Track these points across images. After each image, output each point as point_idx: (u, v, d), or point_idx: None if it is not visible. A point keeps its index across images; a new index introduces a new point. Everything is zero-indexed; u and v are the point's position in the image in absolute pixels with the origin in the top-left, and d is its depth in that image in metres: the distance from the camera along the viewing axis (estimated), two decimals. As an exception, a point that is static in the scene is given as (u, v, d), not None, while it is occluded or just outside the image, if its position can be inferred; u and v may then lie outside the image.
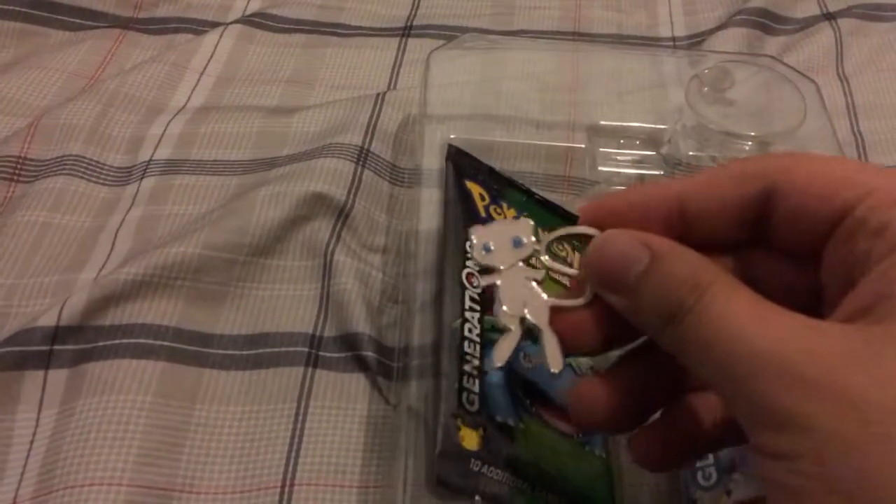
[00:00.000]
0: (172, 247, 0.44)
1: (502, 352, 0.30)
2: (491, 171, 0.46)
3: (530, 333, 0.40)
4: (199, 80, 0.58)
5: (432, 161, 0.49)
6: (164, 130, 0.54)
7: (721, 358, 0.23)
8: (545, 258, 0.31)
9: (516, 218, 0.44)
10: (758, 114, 0.51)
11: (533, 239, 0.32)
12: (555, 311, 0.30)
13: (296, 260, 0.46)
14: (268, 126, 0.54)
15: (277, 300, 0.45)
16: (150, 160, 0.51)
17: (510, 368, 0.38)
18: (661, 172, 0.50)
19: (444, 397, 0.35)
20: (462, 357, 0.37)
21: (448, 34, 0.64)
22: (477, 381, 0.36)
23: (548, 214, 0.46)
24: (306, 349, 0.43)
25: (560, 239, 0.45)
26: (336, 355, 0.43)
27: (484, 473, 0.34)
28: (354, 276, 0.45)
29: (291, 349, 0.43)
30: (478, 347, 0.37)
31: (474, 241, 0.31)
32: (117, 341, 0.41)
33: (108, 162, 0.51)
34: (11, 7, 0.61)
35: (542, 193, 0.48)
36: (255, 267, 0.46)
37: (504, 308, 0.30)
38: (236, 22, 0.63)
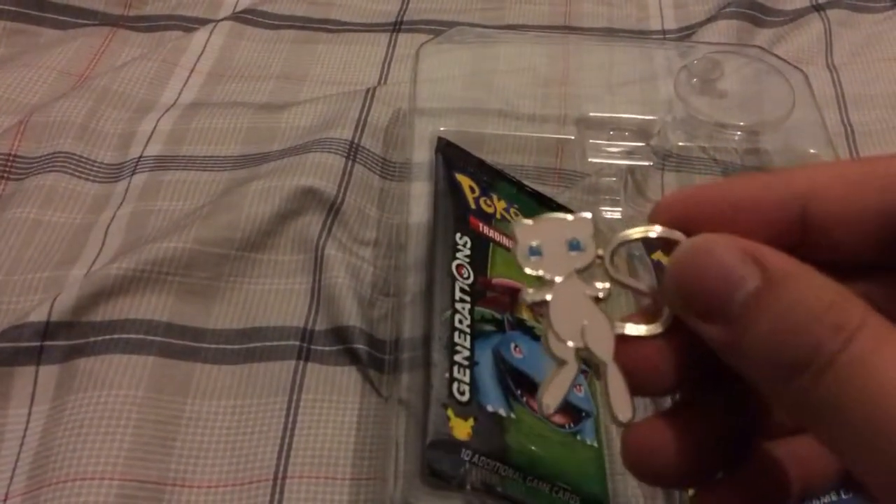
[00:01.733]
0: (163, 242, 0.44)
1: (556, 394, 0.22)
2: (481, 163, 0.46)
3: (521, 324, 0.40)
4: (189, 77, 0.58)
5: (423, 154, 0.49)
6: (155, 126, 0.54)
7: (869, 424, 0.18)
8: (610, 268, 0.23)
9: (506, 210, 0.45)
10: (747, 104, 0.51)
11: (593, 243, 0.24)
12: (620, 341, 0.22)
13: (287, 254, 0.46)
14: (258, 122, 0.54)
15: (269, 294, 0.45)
16: (141, 157, 0.51)
17: (500, 357, 0.38)
18: (651, 164, 0.50)
19: (434, 387, 0.35)
20: (452, 348, 0.37)
21: (439, 29, 0.64)
22: (467, 372, 0.36)
23: (539, 207, 0.46)
24: (298, 343, 0.43)
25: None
26: (327, 348, 0.43)
27: (475, 463, 0.34)
28: (345, 270, 0.45)
29: (283, 343, 0.43)
30: (468, 338, 0.37)
31: (519, 240, 0.23)
32: (108, 337, 0.41)
33: (99, 159, 0.51)
34: (1, 6, 0.61)
35: (533, 186, 0.48)
36: (246, 262, 0.46)
37: (556, 334, 0.23)
38: (226, 19, 0.63)
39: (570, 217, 0.24)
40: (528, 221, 0.24)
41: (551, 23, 0.66)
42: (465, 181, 0.44)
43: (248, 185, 0.48)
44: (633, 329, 0.22)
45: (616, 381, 0.22)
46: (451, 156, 0.44)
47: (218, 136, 0.53)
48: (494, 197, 0.44)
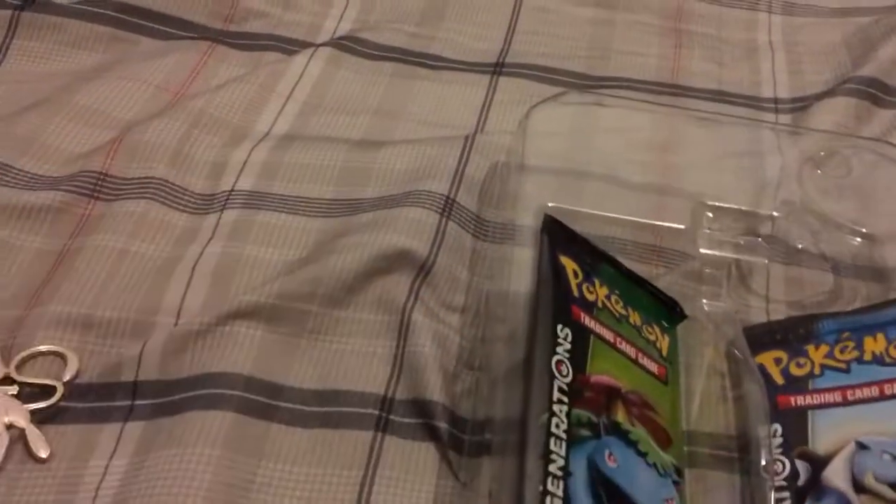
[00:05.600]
0: (248, 295, 0.43)
1: None
2: (586, 243, 0.43)
3: (617, 429, 0.38)
4: (284, 105, 0.57)
5: (523, 217, 0.47)
6: (248, 157, 0.52)
7: None
8: None
9: (608, 297, 0.42)
10: (869, 205, 0.48)
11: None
12: None
13: (371, 314, 0.45)
14: (352, 161, 0.53)
15: (350, 355, 0.43)
16: (233, 189, 0.50)
17: (595, 467, 0.36)
18: (766, 260, 0.47)
19: (526, 500, 0.33)
20: (547, 457, 0.35)
21: (541, 75, 0.62)
22: (561, 484, 0.34)
23: (640, 294, 0.44)
24: (376, 411, 0.42)
25: (648, 319, 0.44)
26: (407, 421, 0.42)
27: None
28: (431, 339, 0.43)
29: (361, 410, 0.42)
30: (564, 445, 0.35)
31: None
32: (191, 393, 0.40)
33: (190, 187, 0.50)
34: (102, 11, 0.60)
35: (630, 264, 0.46)
36: (329, 319, 0.44)
37: None
38: (326, 45, 0.61)
39: None
40: None
41: (658, 79, 0.63)
42: (569, 264, 0.41)
43: (337, 240, 0.46)
44: None
45: None
46: (556, 235, 0.42)
47: (311, 173, 0.52)
48: (597, 282, 0.42)
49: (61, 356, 0.42)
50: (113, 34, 0.60)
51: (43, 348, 0.42)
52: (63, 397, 0.41)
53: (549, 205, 0.46)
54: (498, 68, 0.62)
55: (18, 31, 0.59)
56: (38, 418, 0.40)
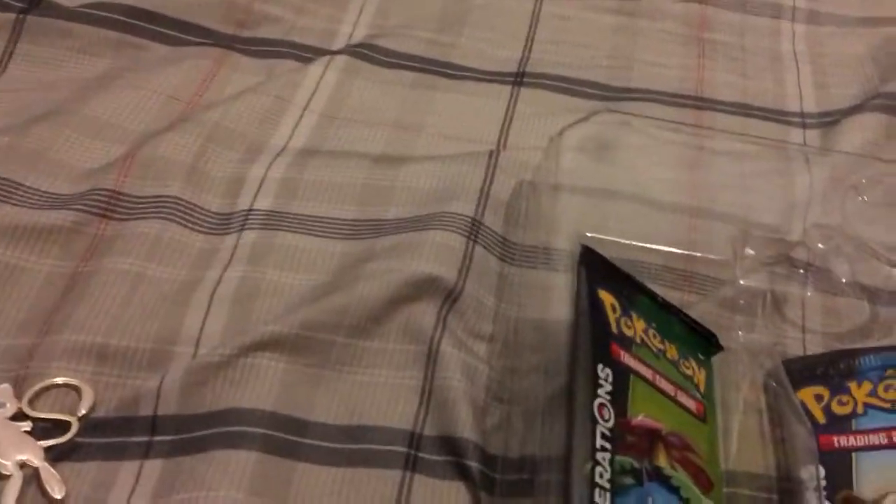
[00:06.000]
0: (269, 325, 0.41)
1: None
2: (622, 275, 0.42)
3: (659, 474, 0.37)
4: (301, 117, 0.54)
5: (555, 241, 0.45)
6: (266, 174, 0.50)
7: None
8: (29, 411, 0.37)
9: (645, 331, 0.41)
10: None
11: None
12: None
13: (398, 343, 0.43)
14: (373, 178, 0.51)
15: (376, 387, 0.42)
16: (251, 209, 0.48)
17: (638, 518, 0.34)
18: (803, 290, 0.46)
19: (573, 559, 0.31)
20: (592, 509, 0.33)
21: (562, 86, 0.60)
22: (607, 538, 0.33)
23: (677, 326, 0.43)
24: (405, 449, 0.40)
25: (684, 352, 0.42)
26: (436, 458, 0.40)
27: None
28: (460, 371, 0.42)
29: (389, 448, 0.40)
30: (608, 497, 0.34)
31: None
32: (212, 431, 0.39)
33: (206, 206, 0.48)
34: (110, 15, 0.58)
35: (659, 289, 0.44)
36: (355, 349, 0.42)
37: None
38: (342, 52, 0.59)
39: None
40: None
41: (682, 90, 0.61)
42: (607, 298, 0.40)
43: (361, 266, 0.44)
44: None
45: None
46: (594, 267, 0.40)
47: (331, 192, 0.50)
48: (634, 316, 0.41)
49: (76, 389, 0.40)
50: (122, 39, 0.57)
51: (57, 381, 0.40)
52: (78, 433, 0.39)
53: (588, 234, 0.44)
54: (518, 78, 0.60)
55: (23, 36, 0.56)
56: (53, 455, 0.38)
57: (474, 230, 0.47)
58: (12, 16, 0.56)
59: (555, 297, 0.45)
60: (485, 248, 0.47)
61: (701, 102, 0.60)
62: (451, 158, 0.52)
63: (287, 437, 0.39)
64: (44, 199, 0.46)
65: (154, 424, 0.39)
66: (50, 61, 0.56)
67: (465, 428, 0.40)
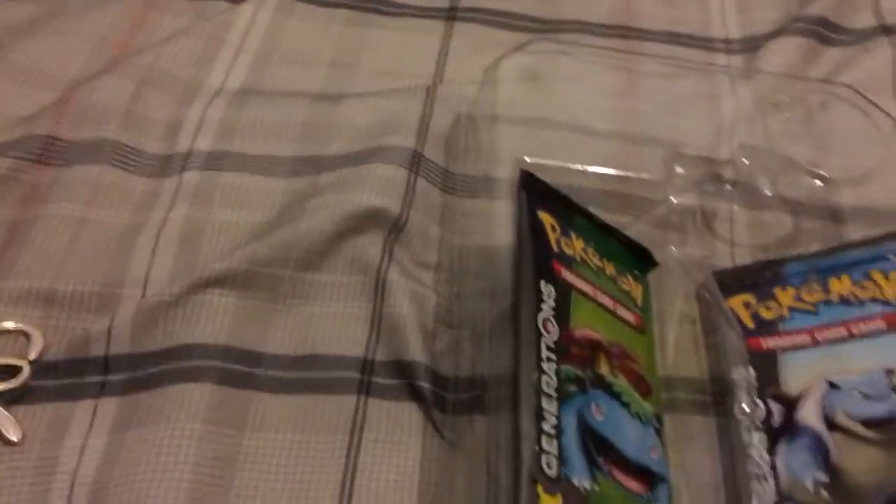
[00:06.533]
0: (217, 262, 0.41)
1: None
2: (561, 197, 0.43)
3: (601, 381, 0.38)
4: (236, 58, 0.54)
5: (495, 170, 0.46)
6: (204, 115, 0.50)
7: None
8: None
9: (584, 250, 0.42)
10: (825, 147, 0.49)
11: None
12: None
13: (345, 275, 0.44)
14: (313, 116, 0.51)
15: (327, 318, 0.42)
16: (191, 150, 0.48)
17: (583, 422, 0.36)
18: (730, 205, 0.48)
19: (525, 462, 0.33)
20: (540, 415, 0.35)
21: (495, 20, 0.60)
22: (555, 442, 0.34)
23: (614, 245, 0.44)
24: (358, 374, 0.41)
25: (622, 269, 0.44)
26: (389, 382, 0.41)
27: (560, 543, 0.32)
28: (408, 299, 0.42)
29: (343, 374, 0.41)
30: (555, 403, 0.35)
31: None
32: (166, 366, 0.39)
33: (146, 149, 0.48)
34: (32, -42, 0.56)
35: (596, 212, 0.45)
36: (303, 283, 0.43)
37: None
38: (272, -9, 0.58)
39: None
40: None
41: (612, 21, 0.62)
42: (547, 219, 0.41)
43: (305, 201, 0.44)
44: None
45: None
46: (533, 190, 0.41)
47: (271, 130, 0.50)
48: (573, 235, 0.42)
49: (25, 334, 0.40)
50: (44, -18, 0.56)
51: (5, 325, 0.40)
52: (30, 377, 0.39)
53: (526, 160, 0.45)
54: (452, 13, 0.60)
55: (-60, -17, 0.54)
56: (6, 400, 0.38)
57: (415, 162, 0.48)
58: (-75, -39, 0.54)
59: (497, 224, 0.46)
60: (427, 180, 0.48)
61: (630, 32, 0.61)
62: (389, 94, 0.52)
63: (241, 369, 0.40)
64: (-24, 148, 0.45)
65: (107, 364, 0.39)
66: (-31, 9, 0.54)
67: (416, 352, 0.41)
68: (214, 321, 0.41)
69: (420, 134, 0.49)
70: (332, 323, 0.42)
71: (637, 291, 0.44)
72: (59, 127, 0.47)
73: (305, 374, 0.41)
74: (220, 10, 0.57)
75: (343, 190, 0.45)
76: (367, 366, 0.41)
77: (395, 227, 0.45)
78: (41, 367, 0.39)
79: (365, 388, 0.41)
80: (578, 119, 0.52)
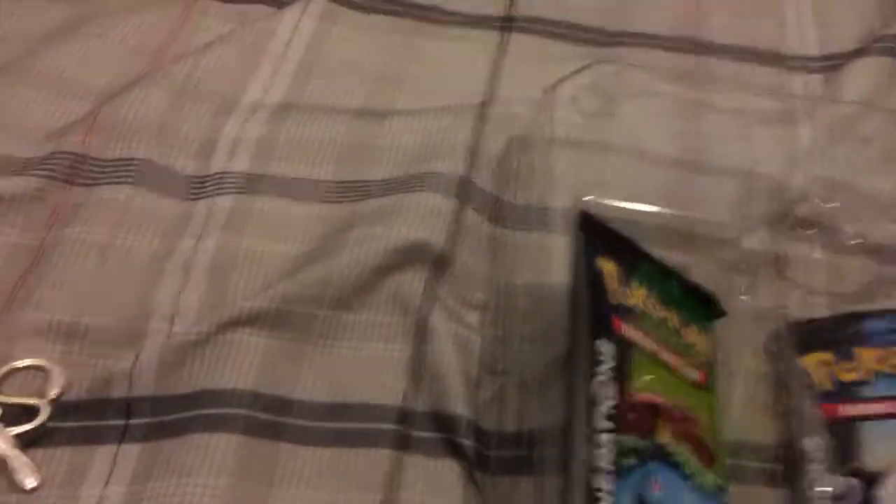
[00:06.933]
0: (248, 300, 0.38)
1: None
2: (622, 239, 0.39)
3: (661, 451, 0.35)
4: (277, 69, 0.51)
5: (550, 200, 0.43)
6: (240, 132, 0.47)
7: None
8: None
9: (646, 299, 0.38)
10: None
11: None
12: None
13: (383, 315, 0.40)
14: (355, 135, 0.48)
15: (362, 362, 0.39)
16: (226, 171, 0.45)
17: (641, 501, 0.33)
18: (806, 249, 0.43)
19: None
20: (594, 495, 0.31)
21: (554, 31, 0.56)
22: (609, 526, 0.31)
23: (676, 288, 0.40)
24: (394, 427, 0.38)
25: (686, 318, 0.40)
26: (428, 435, 0.38)
27: None
28: (452, 343, 0.39)
29: (378, 426, 0.38)
30: (611, 480, 0.32)
31: None
32: (191, 413, 0.36)
33: (178, 169, 0.45)
34: (70, -43, 0.53)
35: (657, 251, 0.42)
36: (338, 322, 0.40)
37: None
38: (319, -4, 0.55)
39: None
40: None
41: (678, 32, 0.58)
42: (606, 266, 0.37)
43: (344, 234, 0.41)
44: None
45: None
46: (593, 233, 0.38)
47: (311, 150, 0.46)
48: (635, 283, 0.38)
49: (44, 370, 0.37)
50: (82, -17, 0.53)
51: (24, 363, 0.37)
52: (49, 417, 0.36)
53: (586, 198, 0.42)
54: (507, 22, 0.56)
55: (-25, -16, 0.52)
56: (24, 442, 0.36)
57: (463, 190, 0.44)
58: (-37, -41, 0.52)
59: (550, 261, 0.42)
60: (476, 210, 0.44)
61: (699, 46, 0.57)
62: (436, 112, 0.49)
63: (269, 418, 0.37)
64: (3, 164, 0.43)
65: (129, 407, 0.37)
66: (10, 9, 0.51)
67: (458, 403, 0.38)
68: (243, 363, 0.38)
69: (469, 158, 0.46)
70: (367, 367, 0.39)
71: (702, 344, 0.40)
72: (89, 143, 0.44)
73: (338, 425, 0.38)
74: (263, 16, 0.54)
75: (384, 221, 0.42)
76: (404, 417, 0.38)
77: (439, 263, 0.41)
78: (61, 408, 0.37)
79: (402, 443, 0.37)
80: (641, 144, 0.48)
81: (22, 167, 0.43)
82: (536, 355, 0.39)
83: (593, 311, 0.36)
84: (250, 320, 0.39)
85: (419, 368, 0.39)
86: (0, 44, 0.49)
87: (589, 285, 0.36)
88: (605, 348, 0.35)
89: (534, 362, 0.39)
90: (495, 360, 0.40)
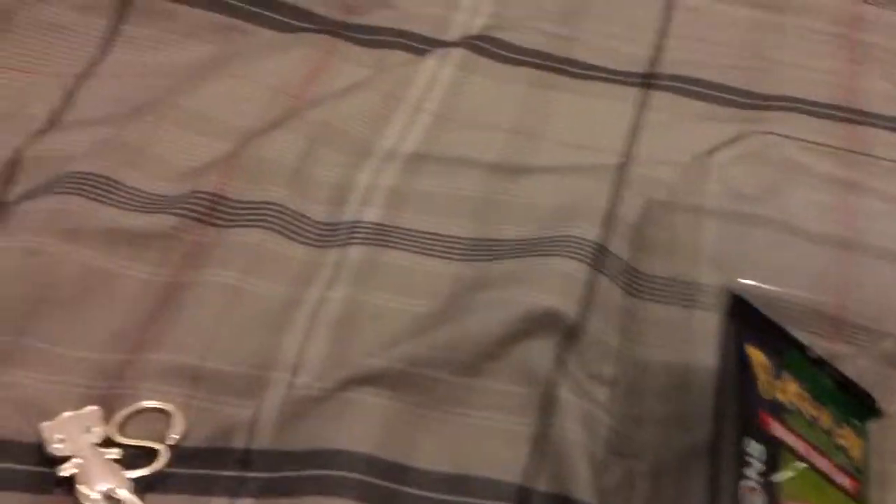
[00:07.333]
0: (373, 358, 0.37)
1: None
2: (773, 326, 0.36)
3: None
4: (413, 117, 0.50)
5: (691, 272, 0.40)
6: (374, 180, 0.46)
7: None
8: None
9: (798, 394, 0.35)
10: None
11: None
12: None
13: (510, 384, 0.38)
14: (489, 191, 0.46)
15: (485, 432, 0.37)
16: (358, 221, 0.44)
17: None
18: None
19: None
20: None
21: (697, 90, 0.54)
22: None
23: (828, 383, 0.37)
24: (514, 507, 0.35)
25: (838, 417, 0.36)
26: (548, 521, 0.35)
27: None
28: (579, 420, 0.37)
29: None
30: None
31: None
32: (307, 472, 0.35)
33: (311, 214, 0.44)
34: (217, -3, 0.54)
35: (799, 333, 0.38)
36: (463, 389, 0.38)
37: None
38: (458, 45, 0.54)
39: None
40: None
41: (832, 100, 0.54)
42: (756, 356, 0.34)
43: (474, 295, 0.40)
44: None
45: None
46: (743, 319, 0.35)
47: (445, 204, 0.45)
48: (786, 376, 0.35)
49: (165, 413, 0.37)
50: (227, 23, 0.54)
51: (147, 405, 0.37)
52: (168, 462, 0.36)
53: (737, 280, 0.39)
54: (648, 80, 0.54)
55: (127, 17, 0.53)
56: (141, 487, 0.35)
57: (599, 257, 0.42)
58: (117, -5, 0.53)
59: (690, 338, 0.39)
60: (610, 278, 0.42)
61: (854, 115, 0.53)
62: (573, 171, 0.47)
63: (385, 485, 0.35)
64: (143, 200, 0.43)
65: (247, 459, 0.36)
66: (153, 45, 0.52)
67: (582, 487, 0.35)
68: (363, 424, 0.36)
69: (606, 223, 0.44)
70: (489, 439, 0.37)
71: (855, 447, 0.36)
72: (226, 184, 0.44)
73: (455, 499, 0.36)
74: (401, 62, 0.53)
75: (516, 285, 0.40)
76: (523, 497, 0.36)
77: (569, 333, 0.39)
78: (180, 453, 0.36)
79: (520, 527, 0.35)
80: (792, 220, 0.44)
81: (160, 205, 0.43)
82: (671, 440, 0.36)
83: (742, 406, 0.33)
84: (373, 379, 0.37)
85: (543, 445, 0.37)
86: (152, 77, 0.50)
87: (737, 377, 0.33)
88: (754, 449, 0.32)
89: (667, 447, 0.36)
90: (624, 442, 0.38)
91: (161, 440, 0.36)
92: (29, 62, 0.50)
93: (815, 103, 0.53)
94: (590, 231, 0.43)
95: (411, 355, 0.38)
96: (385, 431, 0.37)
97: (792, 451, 0.33)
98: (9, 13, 0.51)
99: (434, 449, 0.37)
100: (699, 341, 0.38)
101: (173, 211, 0.43)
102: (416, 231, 0.44)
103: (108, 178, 0.43)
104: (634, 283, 0.43)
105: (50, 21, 0.51)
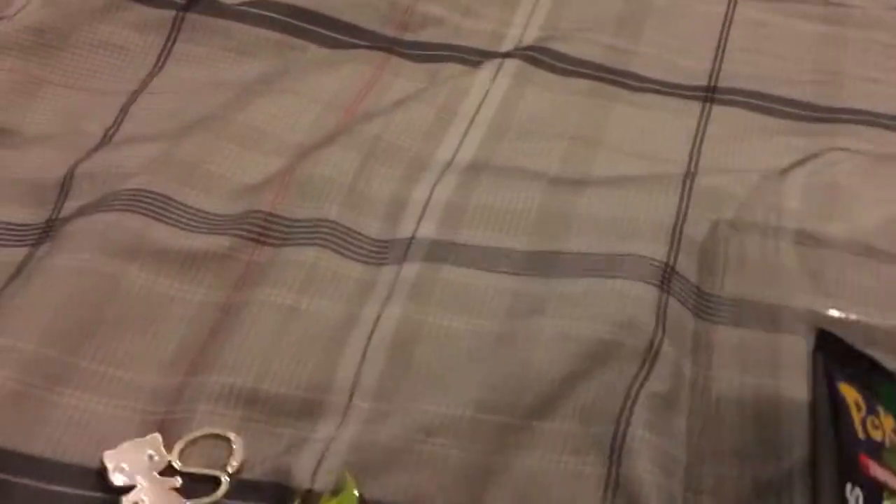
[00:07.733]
0: (441, 403, 0.35)
1: None
2: (864, 359, 0.33)
3: None
4: (468, 129, 0.48)
5: (765, 295, 0.37)
6: (430, 195, 0.44)
7: None
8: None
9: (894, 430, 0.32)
10: None
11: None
12: None
13: (577, 424, 0.35)
14: (549, 201, 0.43)
15: (553, 477, 0.34)
16: (413, 237, 0.41)
17: None
18: None
19: None
20: None
21: (761, 104, 0.51)
22: None
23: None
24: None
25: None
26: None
27: None
28: (653, 461, 0.34)
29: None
30: None
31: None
32: None
33: (365, 231, 0.42)
34: (270, 14, 0.52)
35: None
36: (529, 432, 0.35)
37: None
38: (512, 56, 0.52)
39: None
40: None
41: (898, 111, 0.51)
42: (850, 394, 0.31)
43: (538, 317, 0.37)
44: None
45: None
46: (833, 354, 0.32)
47: (503, 217, 0.43)
48: (881, 411, 0.32)
49: (224, 439, 0.35)
50: (281, 40, 0.52)
51: (206, 431, 0.35)
52: (227, 493, 0.34)
53: (824, 312, 0.36)
54: (709, 93, 0.51)
55: (181, 34, 0.52)
56: (199, 516, 0.33)
57: (667, 279, 0.39)
58: (172, 13, 0.52)
59: (764, 364, 0.37)
60: (678, 300, 0.39)
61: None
62: (634, 184, 0.44)
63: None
64: (197, 219, 0.41)
65: (309, 499, 0.33)
66: (206, 62, 0.51)
67: (657, 528, 0.32)
68: (430, 477, 0.33)
69: (673, 242, 0.41)
70: (557, 483, 0.34)
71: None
72: (280, 202, 0.42)
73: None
74: (455, 74, 0.51)
75: (582, 310, 0.37)
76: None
77: (642, 365, 0.36)
78: (240, 484, 0.34)
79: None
80: (870, 240, 0.42)
81: (216, 226, 0.41)
82: (750, 474, 0.34)
83: (840, 451, 0.30)
84: (442, 430, 0.34)
85: (614, 488, 0.34)
86: (206, 94, 0.48)
87: (833, 420, 0.30)
88: (854, 494, 0.29)
89: (745, 482, 0.34)
90: (701, 477, 0.35)
91: (219, 467, 0.34)
92: (84, 80, 0.48)
93: (884, 115, 0.50)
94: (656, 250, 0.40)
95: (480, 402, 0.35)
96: (454, 482, 0.33)
97: (891, 491, 0.30)
98: (64, 32, 0.50)
99: (502, 498, 0.34)
100: (774, 366, 0.35)
101: (229, 232, 0.41)
102: (473, 246, 0.41)
103: (162, 195, 0.41)
104: (701, 304, 0.40)
105: (104, 40, 0.50)
